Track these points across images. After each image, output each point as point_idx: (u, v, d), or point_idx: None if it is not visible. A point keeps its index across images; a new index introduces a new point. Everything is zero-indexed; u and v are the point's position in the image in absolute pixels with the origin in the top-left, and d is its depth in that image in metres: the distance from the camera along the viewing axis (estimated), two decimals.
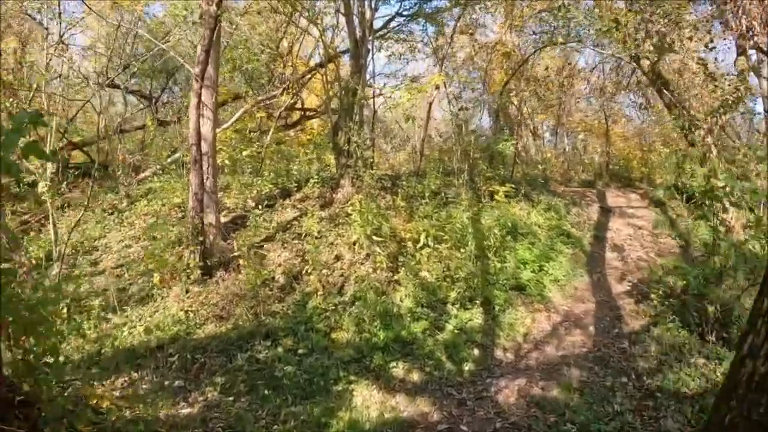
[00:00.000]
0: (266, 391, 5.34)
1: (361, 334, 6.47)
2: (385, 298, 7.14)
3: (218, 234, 8.15)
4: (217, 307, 7.00)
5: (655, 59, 11.26)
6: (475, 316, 6.93)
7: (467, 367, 5.96)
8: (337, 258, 8.23)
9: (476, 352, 6.29)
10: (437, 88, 12.45)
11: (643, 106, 16.01)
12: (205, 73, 7.83)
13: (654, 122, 17.23)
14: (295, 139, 16.15)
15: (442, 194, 10.52)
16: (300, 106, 16.37)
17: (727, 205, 5.89)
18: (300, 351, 6.13)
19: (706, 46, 9.45)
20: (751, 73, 10.75)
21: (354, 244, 8.14)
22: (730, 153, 11.65)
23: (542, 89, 15.39)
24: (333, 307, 6.97)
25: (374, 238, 7.79)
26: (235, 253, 7.83)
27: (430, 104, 12.17)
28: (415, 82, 12.96)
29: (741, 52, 11.33)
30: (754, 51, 10.12)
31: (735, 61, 11.63)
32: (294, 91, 13.65)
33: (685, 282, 7.33)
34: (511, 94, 14.43)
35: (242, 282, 7.29)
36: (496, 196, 9.98)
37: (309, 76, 14.71)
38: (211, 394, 5.34)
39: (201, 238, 7.61)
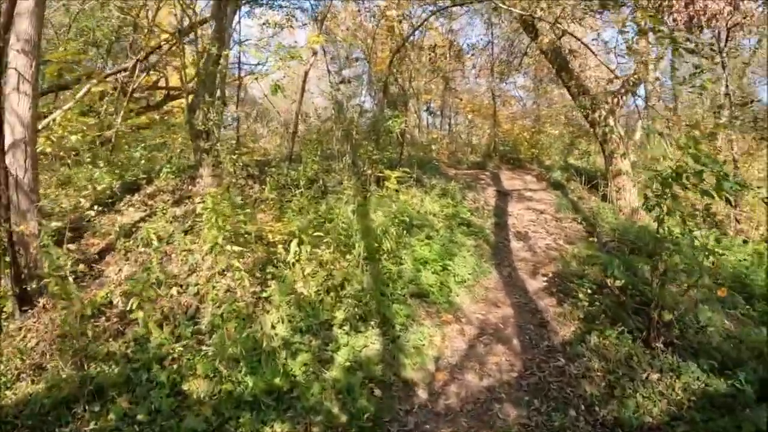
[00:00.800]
0: None
1: (221, 383, 4.44)
2: (253, 326, 5.16)
3: (39, 248, 5.56)
4: (36, 353, 4.68)
5: (560, 35, 10.29)
6: (371, 341, 5.15)
7: (368, 420, 4.16)
8: (191, 270, 6.11)
9: (378, 393, 4.53)
10: (314, 54, 10.48)
11: (535, 87, 15.34)
12: (17, 31, 5.35)
13: (543, 103, 16.68)
14: (162, 123, 13.27)
15: (321, 182, 8.65)
16: (165, 85, 13.44)
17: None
18: (139, 417, 4.01)
19: (620, 31, 8.41)
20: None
21: (211, 251, 6.01)
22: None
23: (429, 67, 14.10)
24: (185, 343, 4.90)
25: (228, 248, 5.72)
26: (46, 280, 5.28)
27: (306, 73, 10.16)
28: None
29: (642, 33, 10.89)
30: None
31: (636, 42, 11.18)
32: (146, 64, 11.01)
33: (613, 276, 6.16)
34: (397, 71, 13.01)
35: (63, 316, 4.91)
36: (387, 183, 8.26)
37: (168, 46, 11.96)
38: None
39: (13, 255, 5.05)
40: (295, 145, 10.51)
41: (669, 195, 4.70)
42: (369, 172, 8.87)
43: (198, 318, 5.38)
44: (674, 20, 7.45)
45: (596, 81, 11.21)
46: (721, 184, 4.10)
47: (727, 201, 3.96)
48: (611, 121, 10.19)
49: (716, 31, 7.78)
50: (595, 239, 7.95)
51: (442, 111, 18.56)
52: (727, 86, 9.59)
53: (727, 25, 6.98)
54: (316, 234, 6.21)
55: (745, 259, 7.34)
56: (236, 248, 5.77)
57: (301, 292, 5.59)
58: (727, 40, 7.51)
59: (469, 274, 6.71)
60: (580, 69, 11.12)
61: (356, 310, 5.39)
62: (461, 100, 17.63)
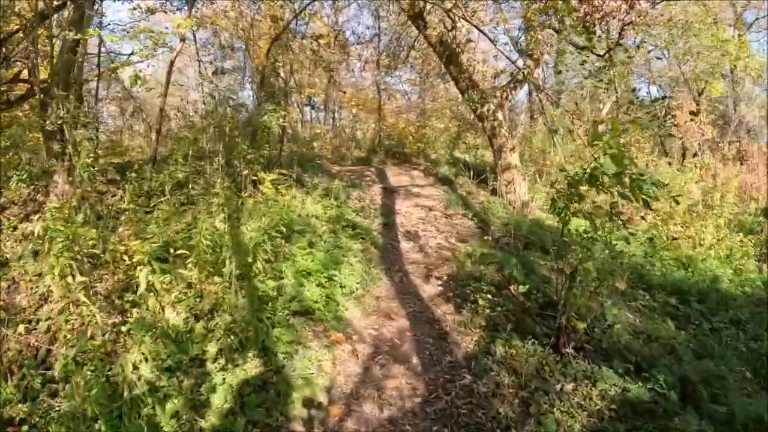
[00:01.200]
0: None
1: None
2: (113, 367, 4.00)
3: None
4: None
5: (450, 28, 9.85)
6: (251, 375, 4.18)
7: None
8: (42, 300, 4.84)
9: None
10: (182, 40, 9.10)
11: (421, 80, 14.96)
12: None
13: (429, 97, 16.36)
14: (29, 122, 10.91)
15: (191, 187, 7.43)
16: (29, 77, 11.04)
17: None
18: None
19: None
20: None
21: (62, 277, 4.69)
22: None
23: (312, 57, 13.13)
24: (34, 395, 3.86)
25: (70, 279, 4.47)
26: None
27: (172, 63, 8.75)
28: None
29: (531, 28, 10.87)
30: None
31: (527, 38, 11.15)
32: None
33: (513, 279, 5.71)
34: (278, 63, 11.92)
35: None
36: (261, 186, 7.20)
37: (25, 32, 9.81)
38: None
39: None
40: (165, 144, 9.12)
41: (576, 196, 4.24)
42: (245, 173, 7.77)
43: (50, 361, 4.21)
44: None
45: (483, 75, 10.96)
46: (639, 186, 3.63)
47: (645, 203, 3.47)
48: (500, 115, 9.95)
49: (607, 29, 7.67)
50: (490, 237, 7.54)
51: (326, 105, 17.69)
52: (615, 86, 9.74)
53: (621, 22, 6.82)
54: (181, 250, 5.09)
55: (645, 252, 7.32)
56: (81, 279, 4.52)
57: (166, 321, 4.49)
58: (619, 39, 7.43)
59: (358, 283, 5.93)
60: (468, 63, 10.82)
61: (231, 339, 4.39)
62: (345, 93, 16.91)
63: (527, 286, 4.85)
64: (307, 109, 17.97)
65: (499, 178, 9.94)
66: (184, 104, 11.39)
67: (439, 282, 6.37)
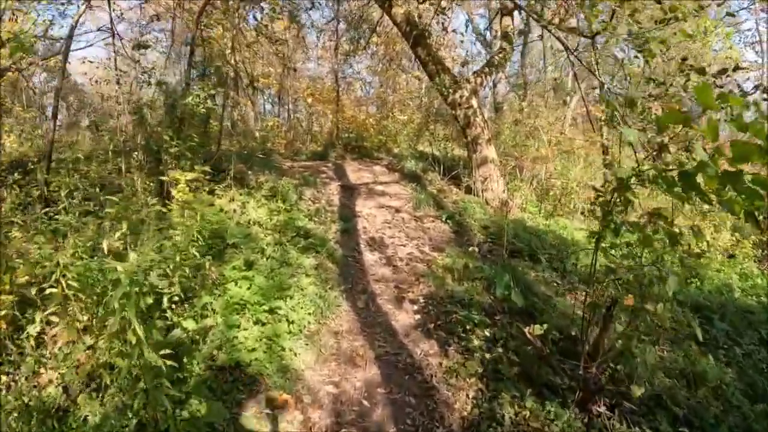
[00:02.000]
0: None
1: None
2: None
3: None
4: None
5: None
6: None
7: None
8: None
9: None
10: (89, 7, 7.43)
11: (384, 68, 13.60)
12: None
13: (391, 88, 14.96)
14: None
15: (97, 191, 5.85)
16: None
17: None
18: None
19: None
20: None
21: None
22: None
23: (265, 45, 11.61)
24: None
25: None
26: None
27: (72, 28, 7.02)
28: None
29: (506, 12, 9.81)
30: None
31: (501, 22, 10.07)
32: None
33: (507, 298, 4.44)
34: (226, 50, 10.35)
35: None
36: (173, 191, 5.57)
37: None
38: None
39: None
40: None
41: (624, 203, 2.92)
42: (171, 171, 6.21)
43: None
44: None
45: (453, 60, 9.72)
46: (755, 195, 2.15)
47: (753, 218, 2.04)
48: (474, 102, 8.67)
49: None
50: (476, 248, 6.24)
51: (280, 96, 16.07)
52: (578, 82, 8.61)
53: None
54: (71, 283, 3.54)
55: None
56: None
57: (44, 390, 3.01)
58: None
59: (310, 314, 4.51)
60: (437, 47, 9.55)
61: (124, 423, 2.92)
62: (295, 70, 15.41)
63: (545, 326, 3.55)
64: (262, 100, 16.36)
65: (474, 173, 8.68)
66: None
67: (415, 307, 5.02)
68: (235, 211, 6.12)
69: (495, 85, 16.88)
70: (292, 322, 4.24)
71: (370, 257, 6.26)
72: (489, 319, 4.55)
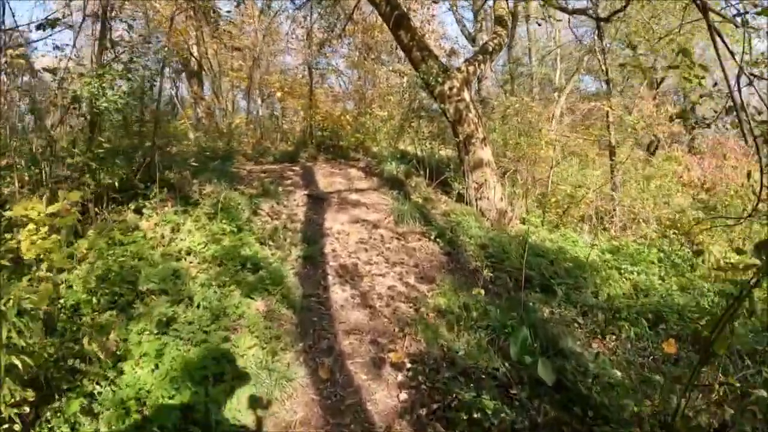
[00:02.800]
0: None
1: None
2: None
3: None
4: None
5: None
6: None
7: None
8: None
9: None
10: None
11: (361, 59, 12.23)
12: None
13: (369, 82, 13.54)
14: None
15: None
16: None
17: None
18: None
19: None
20: None
21: None
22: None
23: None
24: None
25: None
26: None
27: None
28: None
29: None
30: None
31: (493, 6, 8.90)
32: None
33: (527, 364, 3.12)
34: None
35: None
36: (20, 235, 3.76)
37: None
38: None
39: None
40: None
41: None
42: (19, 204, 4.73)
43: None
44: None
45: (440, 48, 8.40)
46: None
47: None
48: (466, 95, 7.32)
49: None
50: (481, 290, 4.87)
51: (248, 91, 14.55)
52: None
53: None
54: None
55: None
56: None
57: None
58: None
59: (251, 396, 3.12)
60: (422, 34, 8.22)
61: None
62: (270, 76, 14.00)
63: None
64: (227, 95, 14.80)
65: (467, 178, 7.34)
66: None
67: (399, 377, 3.66)
68: (163, 237, 4.68)
69: (480, 80, 15.60)
70: (221, 422, 2.83)
71: (339, 295, 4.86)
72: (503, 396, 3.22)
